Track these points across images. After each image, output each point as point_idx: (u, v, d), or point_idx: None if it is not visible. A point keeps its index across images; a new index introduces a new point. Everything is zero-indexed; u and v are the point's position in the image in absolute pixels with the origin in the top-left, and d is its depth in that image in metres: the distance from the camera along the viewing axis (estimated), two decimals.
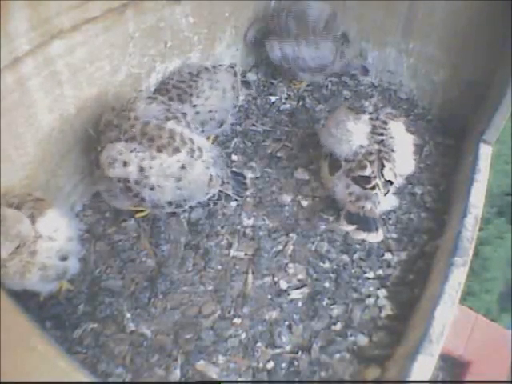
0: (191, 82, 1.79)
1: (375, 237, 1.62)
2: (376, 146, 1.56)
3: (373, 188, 1.53)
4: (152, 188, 1.45)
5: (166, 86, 1.82)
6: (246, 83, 2.25)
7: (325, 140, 1.71)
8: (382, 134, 1.58)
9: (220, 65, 1.99)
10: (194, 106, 1.77)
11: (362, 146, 1.58)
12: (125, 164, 1.42)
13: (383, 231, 1.65)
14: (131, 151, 1.42)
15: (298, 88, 2.32)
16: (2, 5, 1.16)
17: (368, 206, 1.57)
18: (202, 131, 1.68)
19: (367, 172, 1.53)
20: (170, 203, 1.53)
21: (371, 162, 1.54)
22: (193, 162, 1.48)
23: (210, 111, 1.82)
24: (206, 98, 1.80)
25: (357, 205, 1.58)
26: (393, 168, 1.55)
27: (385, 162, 1.54)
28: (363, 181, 1.54)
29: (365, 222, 1.60)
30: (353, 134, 1.59)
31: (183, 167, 1.46)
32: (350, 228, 1.63)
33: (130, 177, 1.43)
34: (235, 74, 1.96)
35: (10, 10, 1.19)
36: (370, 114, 1.64)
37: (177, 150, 1.45)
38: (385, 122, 1.62)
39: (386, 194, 1.55)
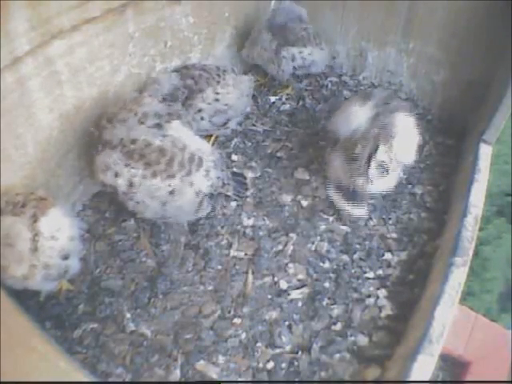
0: (219, 72, 1.89)
1: (359, 212, 1.71)
2: (376, 130, 1.60)
3: (366, 166, 1.58)
4: (137, 203, 1.46)
5: (193, 67, 1.89)
6: None
7: (331, 122, 1.78)
8: (383, 121, 1.62)
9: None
10: (217, 93, 1.85)
11: (359, 128, 1.62)
12: (116, 175, 1.42)
13: (368, 210, 1.74)
14: (125, 165, 1.42)
15: (282, 93, 2.33)
16: (2, 5, 1.16)
17: (359, 181, 1.61)
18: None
19: (357, 150, 1.58)
20: (154, 216, 1.54)
21: (365, 143, 1.59)
22: (184, 189, 1.47)
23: (226, 104, 1.89)
24: (227, 92, 1.88)
25: (349, 180, 1.64)
26: (388, 151, 1.58)
27: (380, 145, 1.57)
28: (354, 158, 1.60)
29: (352, 196, 1.68)
30: (353, 116, 1.65)
31: (172, 193, 1.45)
32: (337, 196, 1.72)
33: (118, 188, 1.44)
34: (252, 85, 2.04)
35: (10, 10, 1.19)
36: (377, 102, 1.67)
37: (171, 177, 1.44)
38: (391, 112, 1.64)
39: (375, 174, 1.59)
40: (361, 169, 1.59)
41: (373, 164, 1.57)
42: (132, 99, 1.51)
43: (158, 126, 1.46)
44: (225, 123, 1.94)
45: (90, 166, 1.58)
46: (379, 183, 1.63)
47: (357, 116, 1.64)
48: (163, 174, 1.43)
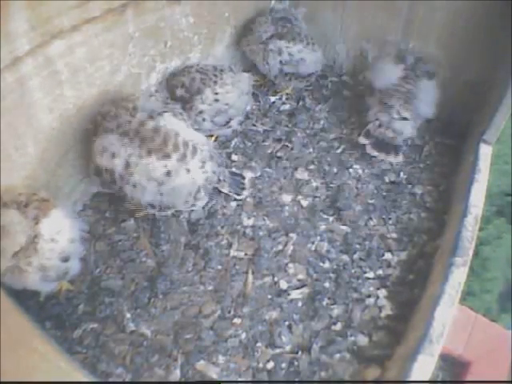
0: (216, 73, 1.89)
1: (394, 158, 1.95)
2: (404, 88, 1.94)
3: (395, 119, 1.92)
4: (134, 186, 1.46)
5: (188, 69, 1.89)
6: None
7: (371, 74, 2.09)
8: (410, 83, 1.95)
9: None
10: (216, 93, 1.85)
11: (392, 83, 1.97)
12: (113, 155, 1.44)
13: (403, 157, 1.97)
14: (122, 145, 1.44)
15: (282, 93, 2.32)
16: (2, 5, 1.16)
17: (390, 134, 1.94)
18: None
19: (392, 102, 1.93)
20: (152, 205, 1.53)
21: (397, 97, 1.94)
22: (180, 171, 1.48)
23: (227, 104, 1.89)
24: (227, 92, 1.88)
25: (380, 129, 1.96)
26: (409, 108, 1.93)
27: (404, 102, 1.92)
28: (388, 108, 1.94)
29: (385, 145, 1.95)
30: (387, 72, 2.00)
31: (168, 174, 1.46)
32: (367, 142, 1.95)
33: (115, 169, 1.44)
34: (251, 83, 2.03)
35: (10, 11, 1.19)
36: (407, 66, 2.00)
37: (167, 156, 1.45)
38: (418, 76, 1.97)
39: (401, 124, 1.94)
40: (392, 121, 1.92)
41: (397, 117, 1.91)
42: (124, 97, 1.55)
43: (150, 117, 1.48)
44: (227, 122, 1.94)
45: (87, 167, 1.58)
46: (404, 133, 1.95)
47: (390, 73, 1.98)
48: (158, 153, 1.44)
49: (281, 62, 2.15)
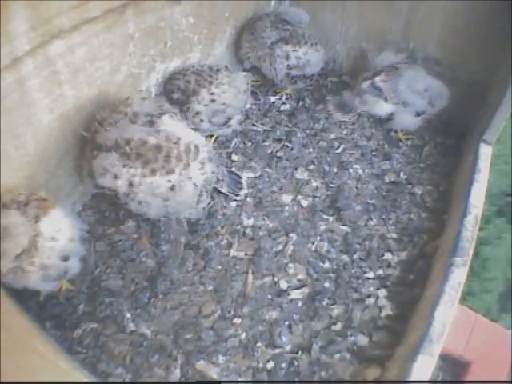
0: (211, 73, 1.88)
1: (342, 117, 2.13)
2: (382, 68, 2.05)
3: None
4: (139, 203, 1.46)
5: (184, 72, 1.88)
6: None
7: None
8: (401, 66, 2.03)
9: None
10: (212, 93, 1.84)
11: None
12: (115, 177, 1.42)
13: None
14: (123, 166, 1.42)
15: (282, 93, 2.32)
16: (2, 5, 1.16)
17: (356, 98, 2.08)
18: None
19: (364, 75, 2.07)
20: (157, 215, 1.54)
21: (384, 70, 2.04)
22: (184, 183, 1.48)
23: (224, 104, 1.88)
24: (223, 91, 1.87)
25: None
26: (387, 82, 2.01)
27: (381, 73, 2.03)
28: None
29: (343, 106, 2.14)
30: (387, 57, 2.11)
31: (172, 188, 1.46)
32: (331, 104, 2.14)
33: (119, 190, 1.43)
34: (249, 81, 2.03)
35: (10, 10, 1.19)
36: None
37: (171, 172, 1.44)
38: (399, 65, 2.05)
39: (366, 90, 2.04)
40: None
41: (365, 83, 2.01)
42: (120, 101, 1.52)
43: (150, 122, 1.47)
44: (226, 122, 1.94)
45: (83, 170, 1.56)
46: (371, 105, 2.04)
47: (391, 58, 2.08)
48: (162, 171, 1.43)
49: (288, 66, 2.16)
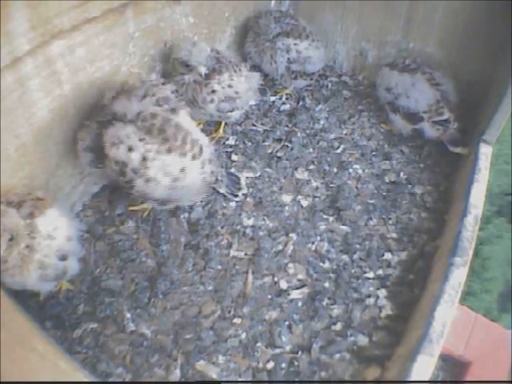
0: (237, 63, 1.95)
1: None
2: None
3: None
4: (147, 180, 1.44)
5: (217, 51, 1.93)
6: None
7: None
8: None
9: None
10: (232, 79, 1.89)
11: None
12: (130, 149, 1.40)
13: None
14: (140, 139, 1.41)
15: (282, 93, 2.33)
16: (2, 5, 1.16)
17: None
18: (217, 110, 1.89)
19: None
20: (156, 200, 1.53)
21: None
22: (192, 168, 1.50)
23: (237, 92, 1.91)
24: (240, 82, 1.92)
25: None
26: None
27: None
28: None
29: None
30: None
31: (183, 170, 1.47)
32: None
33: (129, 163, 1.41)
34: (259, 82, 2.06)
35: (10, 10, 1.19)
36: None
37: (183, 154, 1.47)
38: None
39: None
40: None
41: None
42: (150, 83, 1.55)
43: (173, 110, 1.50)
44: (229, 111, 1.94)
45: (83, 142, 1.52)
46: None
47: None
48: (177, 151, 1.45)
49: (288, 59, 2.17)
